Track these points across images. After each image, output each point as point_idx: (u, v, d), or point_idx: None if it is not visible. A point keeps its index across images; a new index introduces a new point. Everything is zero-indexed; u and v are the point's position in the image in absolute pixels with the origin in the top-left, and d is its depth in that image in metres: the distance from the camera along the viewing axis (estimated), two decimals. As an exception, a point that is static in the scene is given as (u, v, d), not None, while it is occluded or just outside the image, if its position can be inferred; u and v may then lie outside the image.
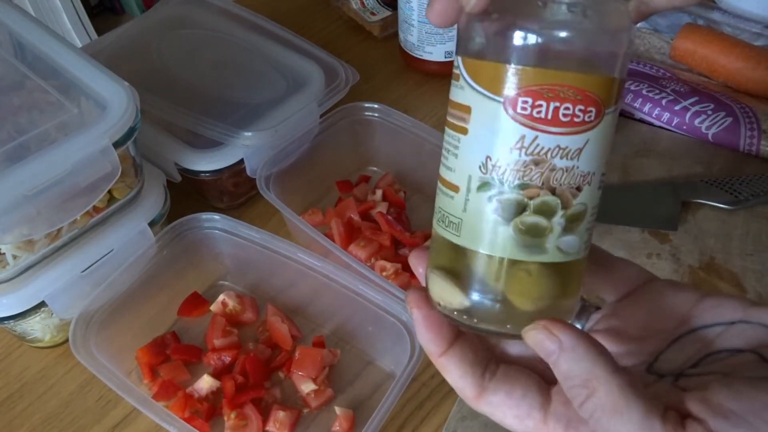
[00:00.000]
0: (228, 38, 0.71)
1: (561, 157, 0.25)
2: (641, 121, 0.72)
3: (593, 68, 0.25)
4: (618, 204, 0.64)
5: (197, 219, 0.56)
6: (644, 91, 0.71)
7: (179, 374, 0.53)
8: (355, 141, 0.67)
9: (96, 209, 0.51)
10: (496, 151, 0.25)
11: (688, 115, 0.69)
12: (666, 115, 0.70)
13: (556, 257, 0.26)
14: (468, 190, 0.26)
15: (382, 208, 0.64)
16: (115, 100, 0.49)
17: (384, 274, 0.57)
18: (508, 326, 0.27)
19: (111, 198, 0.52)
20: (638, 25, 0.81)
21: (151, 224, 0.55)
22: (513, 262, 0.26)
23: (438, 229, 0.28)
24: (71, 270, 0.51)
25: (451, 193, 0.27)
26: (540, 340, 0.26)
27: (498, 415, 0.29)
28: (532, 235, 0.26)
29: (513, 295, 0.27)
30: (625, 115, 0.73)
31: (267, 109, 0.62)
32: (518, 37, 0.25)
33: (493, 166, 0.25)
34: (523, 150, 0.25)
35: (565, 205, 0.26)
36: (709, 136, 0.69)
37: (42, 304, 0.51)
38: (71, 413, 0.53)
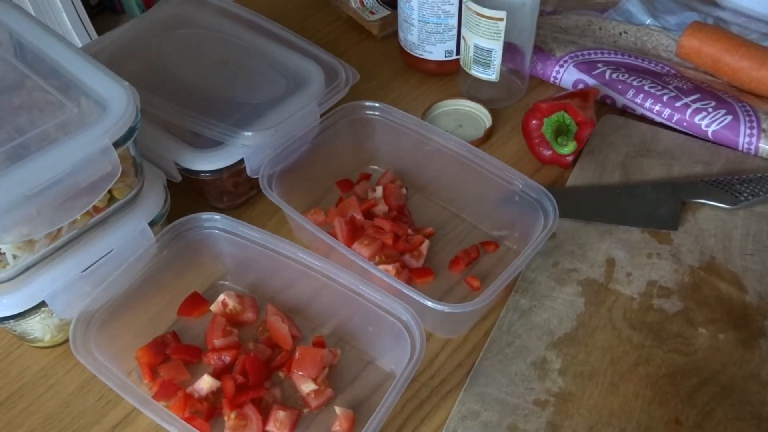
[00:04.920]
0: (228, 38, 0.71)
1: None
2: (642, 117, 0.72)
3: None
4: (618, 204, 0.64)
5: (197, 219, 0.56)
6: (646, 87, 0.71)
7: (179, 374, 0.53)
8: (356, 140, 0.67)
9: (96, 209, 0.51)
10: None
11: (689, 111, 0.69)
12: (666, 112, 0.70)
13: None
14: None
15: (383, 205, 0.64)
16: (115, 99, 0.49)
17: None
18: None
19: (111, 198, 0.52)
20: (647, 22, 0.81)
21: (151, 224, 0.55)
22: None
23: None
24: (71, 270, 0.51)
25: None
26: None
27: None
28: None
29: None
30: (627, 112, 0.73)
31: (267, 109, 0.62)
32: None
33: None
34: None
35: None
36: (709, 134, 0.69)
37: (42, 304, 0.51)
38: (71, 413, 0.53)
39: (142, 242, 0.54)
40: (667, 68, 0.75)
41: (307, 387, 0.52)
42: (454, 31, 0.74)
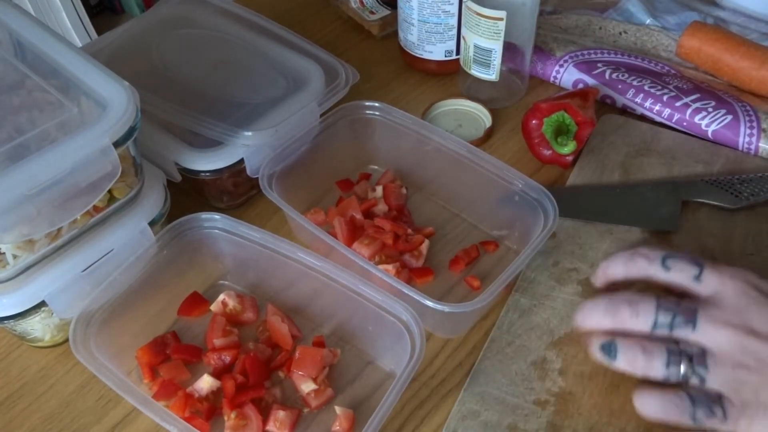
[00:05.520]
0: (228, 38, 0.71)
1: None
2: (642, 117, 0.72)
3: None
4: (618, 204, 0.64)
5: (197, 219, 0.56)
6: (646, 87, 0.71)
7: (179, 374, 0.53)
8: (356, 140, 0.67)
9: (96, 209, 0.51)
10: None
11: (689, 111, 0.69)
12: (666, 111, 0.70)
13: None
14: None
15: (383, 205, 0.64)
16: (115, 99, 0.49)
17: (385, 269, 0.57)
18: None
19: (111, 197, 0.52)
20: (647, 22, 0.81)
21: (151, 224, 0.55)
22: None
23: None
24: (71, 270, 0.51)
25: None
26: None
27: None
28: None
29: None
30: (627, 112, 0.73)
31: (267, 108, 0.62)
32: None
33: None
34: None
35: None
36: (709, 134, 0.69)
37: (42, 304, 0.51)
38: (71, 413, 0.53)
39: (142, 242, 0.54)
40: (667, 68, 0.75)
41: (307, 387, 0.52)
42: (454, 31, 0.74)
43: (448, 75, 0.79)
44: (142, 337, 0.55)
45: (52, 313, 0.53)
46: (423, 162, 0.65)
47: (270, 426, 0.50)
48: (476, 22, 0.68)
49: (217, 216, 0.56)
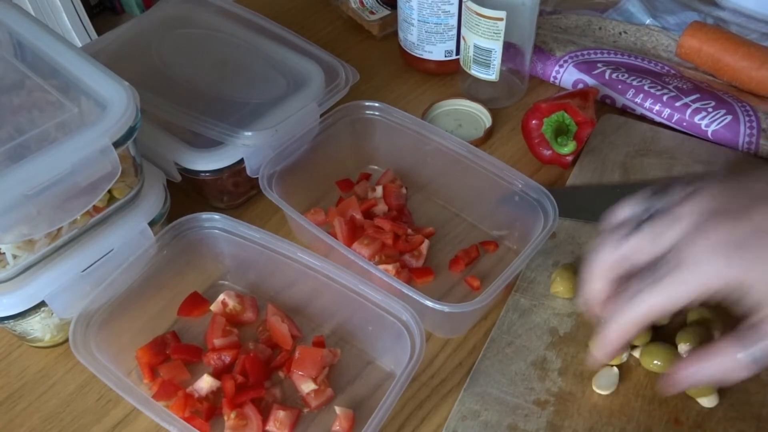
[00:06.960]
0: (228, 38, 0.71)
1: None
2: (642, 117, 0.72)
3: None
4: (618, 203, 0.64)
5: (197, 219, 0.56)
6: (646, 87, 0.71)
7: (179, 374, 0.53)
8: (356, 140, 0.67)
9: (96, 209, 0.51)
10: None
11: (688, 111, 0.69)
12: (666, 111, 0.70)
13: None
14: None
15: (383, 204, 0.64)
16: (115, 99, 0.49)
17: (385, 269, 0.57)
18: None
19: (111, 198, 0.52)
20: (647, 22, 0.81)
21: (151, 224, 0.55)
22: None
23: None
24: (71, 270, 0.51)
25: None
26: None
27: None
28: None
29: None
30: (627, 112, 0.73)
31: (267, 108, 0.62)
32: None
33: None
34: None
35: None
36: (709, 134, 0.69)
37: (42, 304, 0.51)
38: (71, 413, 0.53)
39: (142, 242, 0.54)
40: (667, 68, 0.75)
41: (307, 387, 0.52)
42: (454, 31, 0.74)
43: (448, 75, 0.79)
44: (142, 337, 0.55)
45: (52, 313, 0.53)
46: (423, 162, 0.65)
47: (270, 426, 0.50)
48: (476, 22, 0.68)
49: (217, 216, 0.56)
